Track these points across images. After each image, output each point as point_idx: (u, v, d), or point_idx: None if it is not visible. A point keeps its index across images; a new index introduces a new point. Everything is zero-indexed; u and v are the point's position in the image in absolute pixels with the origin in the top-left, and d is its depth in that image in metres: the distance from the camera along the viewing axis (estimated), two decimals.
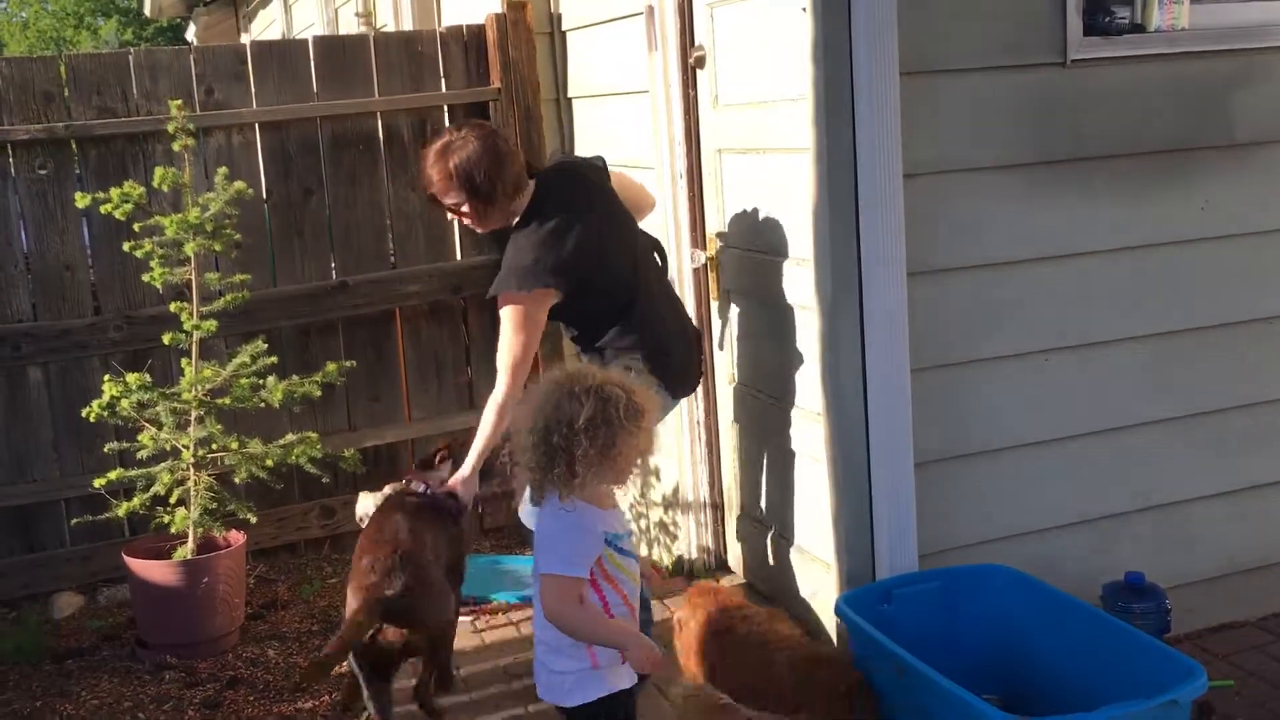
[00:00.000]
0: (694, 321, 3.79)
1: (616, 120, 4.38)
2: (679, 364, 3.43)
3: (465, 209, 3.30)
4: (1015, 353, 3.28)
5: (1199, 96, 3.33)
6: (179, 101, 3.91)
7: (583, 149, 4.69)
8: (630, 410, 2.39)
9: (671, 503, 4.18)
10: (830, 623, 3.28)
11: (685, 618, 3.17)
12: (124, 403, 3.78)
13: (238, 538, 3.97)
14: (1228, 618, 3.57)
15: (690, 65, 3.80)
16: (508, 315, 3.21)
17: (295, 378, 3.99)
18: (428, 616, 3.11)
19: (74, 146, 4.21)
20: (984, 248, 3.20)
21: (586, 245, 3.25)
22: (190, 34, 12.89)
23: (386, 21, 6.93)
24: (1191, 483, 3.50)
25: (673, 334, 3.45)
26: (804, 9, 3.02)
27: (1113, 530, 3.42)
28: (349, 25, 7.86)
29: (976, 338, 3.23)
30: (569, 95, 4.75)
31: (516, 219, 3.32)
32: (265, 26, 11.15)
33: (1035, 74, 3.15)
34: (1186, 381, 3.45)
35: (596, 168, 3.51)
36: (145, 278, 3.88)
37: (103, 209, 3.80)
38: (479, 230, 3.41)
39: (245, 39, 11.30)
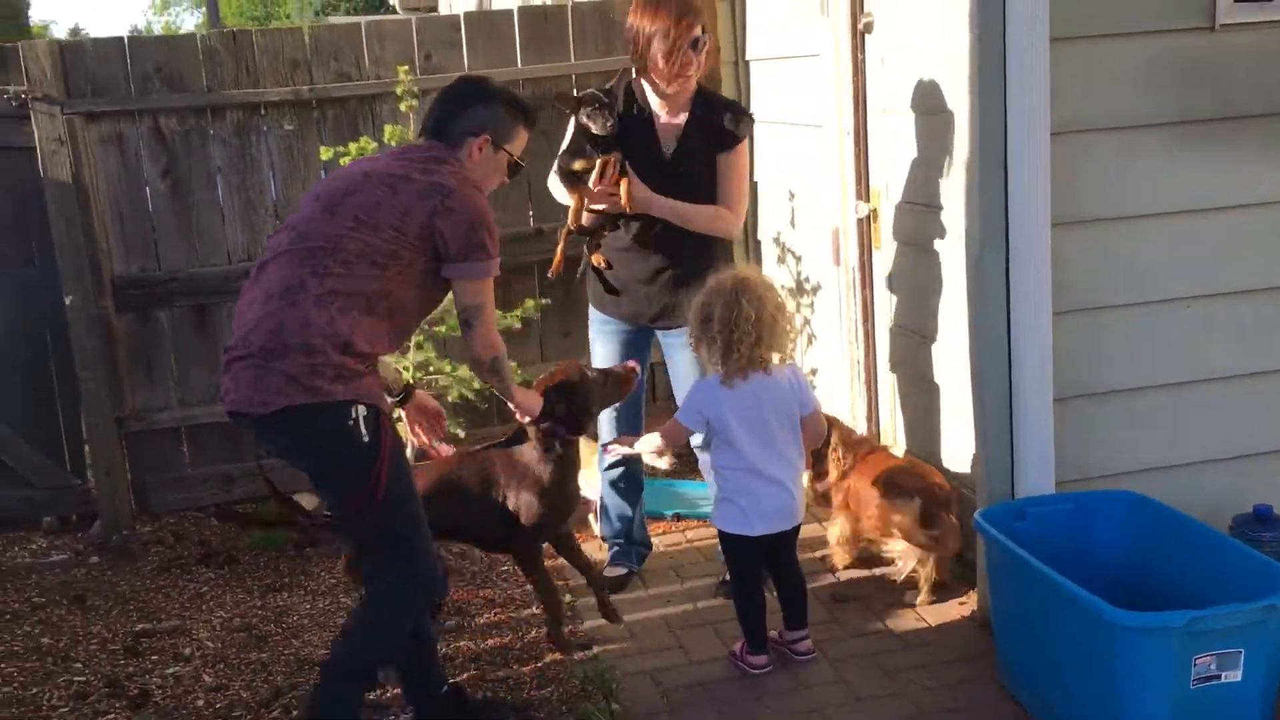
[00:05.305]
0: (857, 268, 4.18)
1: (790, 82, 4.73)
2: None
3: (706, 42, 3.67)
4: (1157, 299, 3.48)
5: None
6: (405, 66, 4.45)
7: (759, 109, 5.04)
8: None
9: None
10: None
11: None
12: None
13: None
14: None
15: (859, 30, 4.10)
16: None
17: (499, 312, 4.51)
18: None
19: (314, 106, 4.83)
20: (1128, 201, 3.41)
21: None
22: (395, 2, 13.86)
23: None
24: None
25: None
26: None
27: (1246, 469, 3.60)
28: None
29: (1119, 284, 3.45)
30: (746, 58, 5.10)
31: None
32: None
33: (1182, 38, 3.34)
34: None
35: None
36: None
37: (341, 161, 4.37)
38: (687, 76, 3.65)
39: (444, 7, 11.97)
